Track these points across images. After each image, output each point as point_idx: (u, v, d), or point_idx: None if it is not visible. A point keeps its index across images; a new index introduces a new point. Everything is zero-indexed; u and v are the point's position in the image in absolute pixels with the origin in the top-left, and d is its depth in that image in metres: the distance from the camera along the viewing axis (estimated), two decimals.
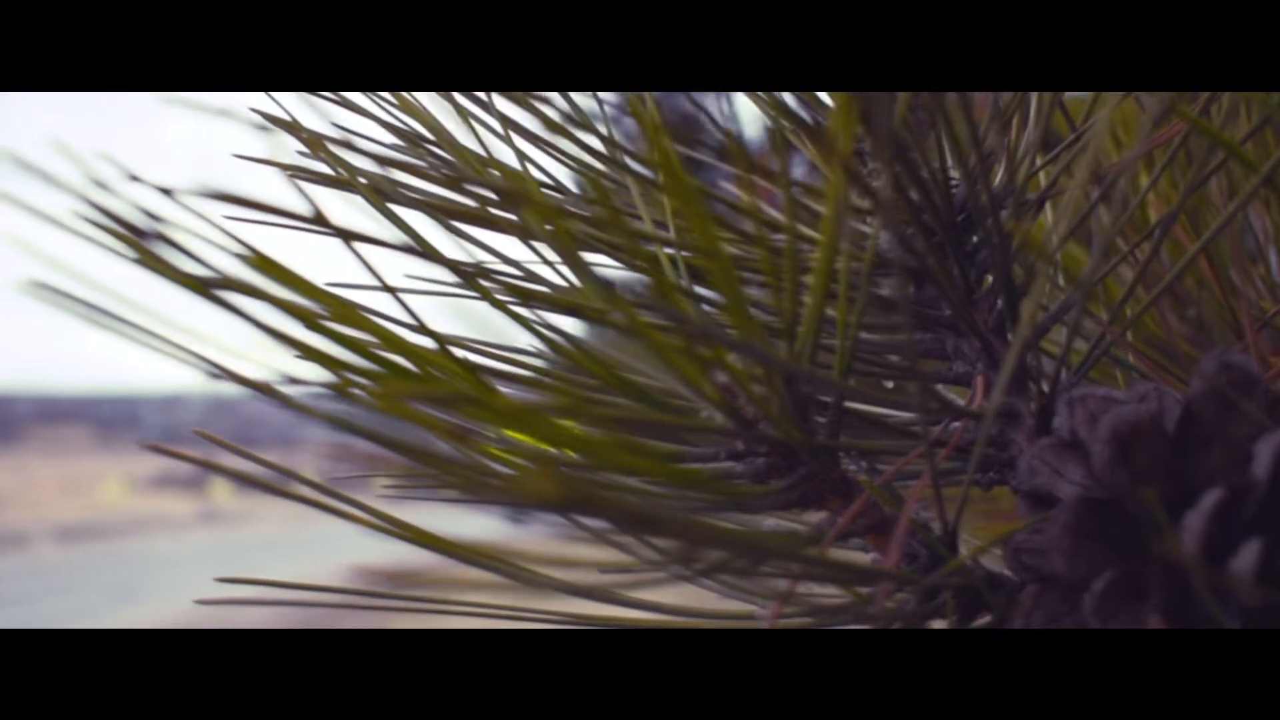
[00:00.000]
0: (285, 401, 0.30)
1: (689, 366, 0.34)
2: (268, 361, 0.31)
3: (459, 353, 0.35)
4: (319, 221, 0.33)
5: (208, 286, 0.27)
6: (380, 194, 0.39)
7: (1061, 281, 0.50)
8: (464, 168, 0.39)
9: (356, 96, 0.45)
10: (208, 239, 0.31)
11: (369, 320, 0.30)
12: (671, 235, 0.41)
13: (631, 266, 0.41)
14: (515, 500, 0.24)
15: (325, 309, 0.30)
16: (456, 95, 0.42)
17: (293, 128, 0.43)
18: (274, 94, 0.43)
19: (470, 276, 0.38)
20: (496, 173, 0.41)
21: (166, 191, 0.32)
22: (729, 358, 0.34)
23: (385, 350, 0.31)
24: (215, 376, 0.30)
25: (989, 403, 0.38)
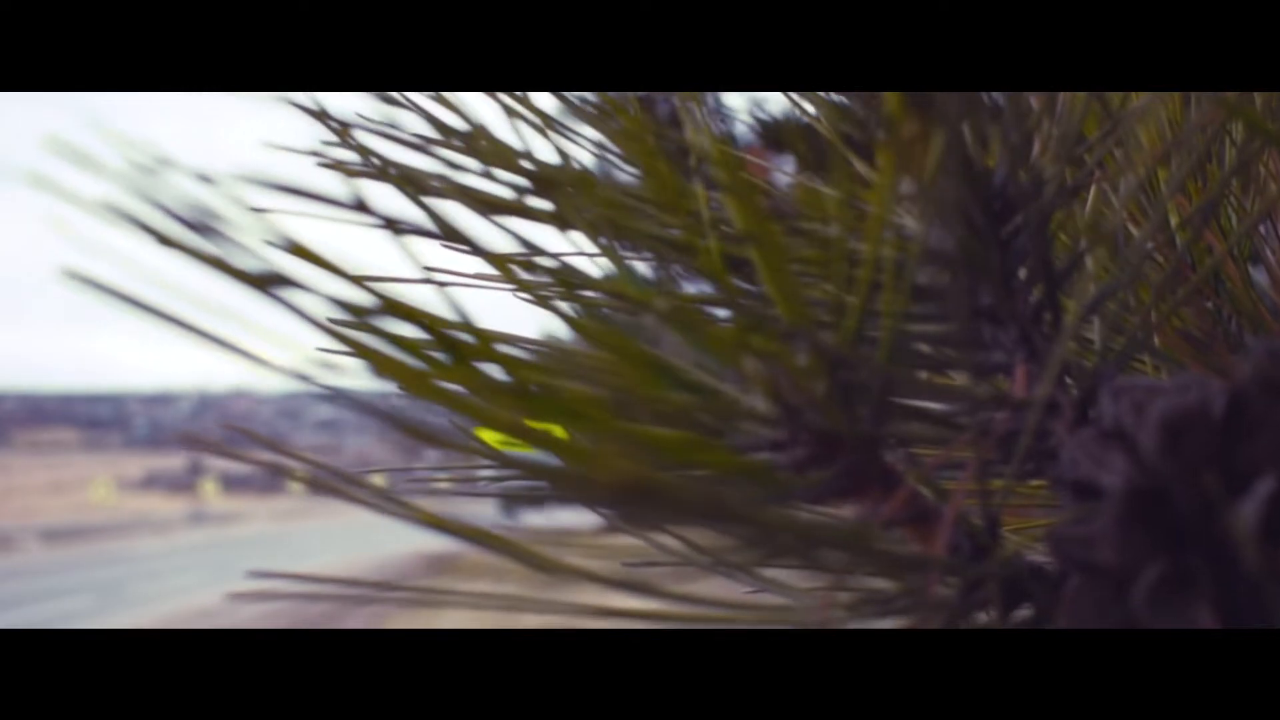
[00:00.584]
0: (334, 397, 0.29)
1: (735, 355, 0.34)
2: (309, 354, 0.30)
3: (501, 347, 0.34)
4: (361, 210, 0.32)
5: (259, 280, 0.27)
6: (413, 184, 0.39)
7: (1091, 269, 0.50)
8: (498, 157, 0.39)
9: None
10: (246, 228, 0.30)
11: (419, 313, 0.30)
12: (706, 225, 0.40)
13: (665, 256, 0.41)
14: (582, 493, 0.23)
15: (372, 302, 0.30)
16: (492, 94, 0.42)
17: (321, 117, 0.42)
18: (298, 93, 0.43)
19: (506, 265, 0.38)
20: (530, 165, 0.40)
21: (206, 179, 0.31)
22: (774, 346, 0.33)
23: (433, 346, 0.30)
24: (258, 368, 0.29)
25: (1034, 392, 0.38)
